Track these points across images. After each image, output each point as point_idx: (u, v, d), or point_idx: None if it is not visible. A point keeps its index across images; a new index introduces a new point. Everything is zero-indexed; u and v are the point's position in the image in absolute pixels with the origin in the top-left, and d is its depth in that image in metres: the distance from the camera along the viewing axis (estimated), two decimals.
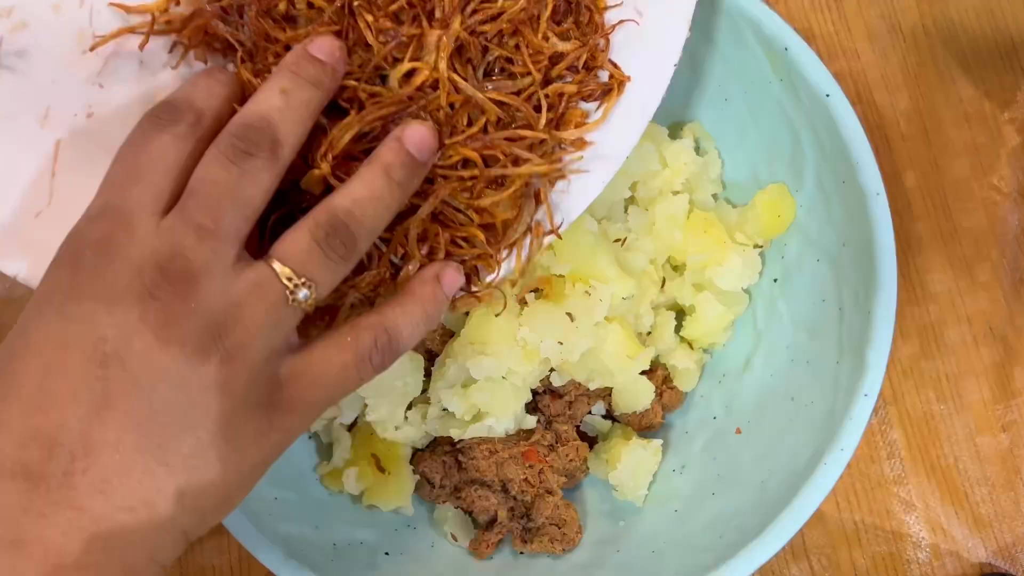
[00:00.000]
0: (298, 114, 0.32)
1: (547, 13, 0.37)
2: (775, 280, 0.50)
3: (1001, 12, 0.59)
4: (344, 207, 0.32)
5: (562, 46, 0.37)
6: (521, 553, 0.48)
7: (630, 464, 0.47)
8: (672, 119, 0.52)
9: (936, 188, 0.56)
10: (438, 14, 0.35)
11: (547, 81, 0.37)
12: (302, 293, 0.31)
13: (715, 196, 0.51)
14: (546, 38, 0.37)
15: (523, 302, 0.44)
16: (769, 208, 0.48)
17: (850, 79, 0.57)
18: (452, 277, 0.36)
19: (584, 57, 0.37)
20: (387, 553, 0.46)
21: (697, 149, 0.51)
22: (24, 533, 0.27)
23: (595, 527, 0.48)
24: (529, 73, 0.36)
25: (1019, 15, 0.59)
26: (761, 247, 0.50)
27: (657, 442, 0.48)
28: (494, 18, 0.36)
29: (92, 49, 0.37)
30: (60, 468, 0.27)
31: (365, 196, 0.32)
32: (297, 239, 0.31)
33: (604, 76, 0.38)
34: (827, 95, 0.43)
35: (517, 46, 0.36)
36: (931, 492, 0.53)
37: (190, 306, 0.29)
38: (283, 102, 0.32)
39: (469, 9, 0.35)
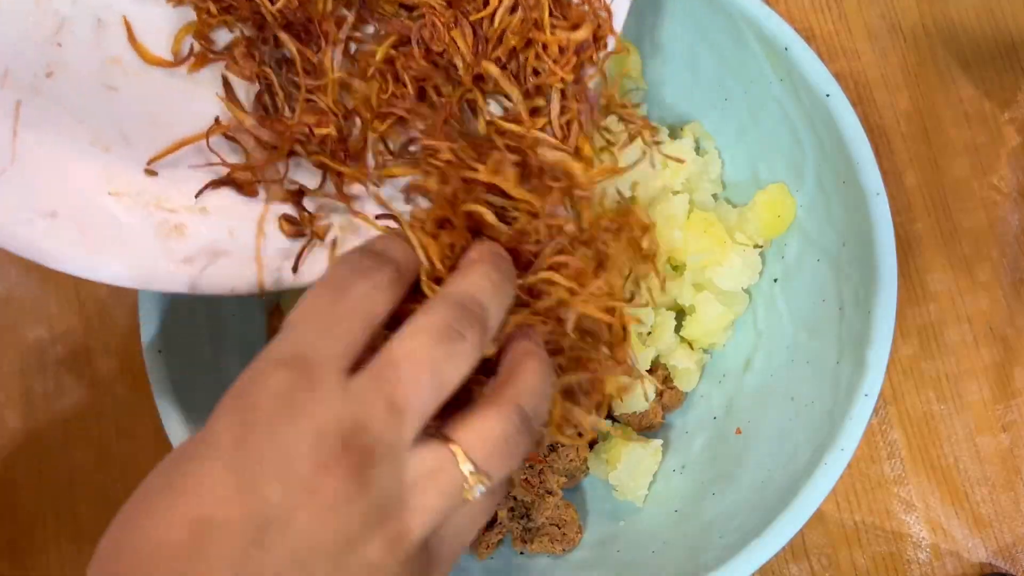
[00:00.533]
0: (502, 305, 0.31)
1: (546, 11, 0.37)
2: (775, 280, 0.50)
3: (1001, 12, 0.59)
4: (532, 403, 0.30)
5: (576, 36, 0.37)
6: (521, 553, 0.48)
7: (630, 464, 0.47)
8: (672, 119, 0.52)
9: (936, 188, 0.56)
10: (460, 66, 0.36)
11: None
12: (478, 489, 0.28)
13: (715, 196, 0.51)
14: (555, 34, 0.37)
15: None
16: (769, 208, 0.48)
17: (850, 79, 0.57)
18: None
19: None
20: None
21: (697, 149, 0.51)
22: None
23: (595, 527, 0.48)
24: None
25: (1019, 15, 0.59)
26: (761, 247, 0.50)
27: (657, 442, 0.48)
28: (500, 39, 0.36)
29: None
30: None
31: (539, 384, 0.31)
32: (486, 429, 0.29)
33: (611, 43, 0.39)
34: (827, 95, 0.43)
35: (537, 55, 0.37)
36: (931, 492, 0.53)
37: (364, 485, 0.27)
38: (492, 288, 0.31)
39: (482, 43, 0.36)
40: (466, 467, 0.28)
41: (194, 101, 0.38)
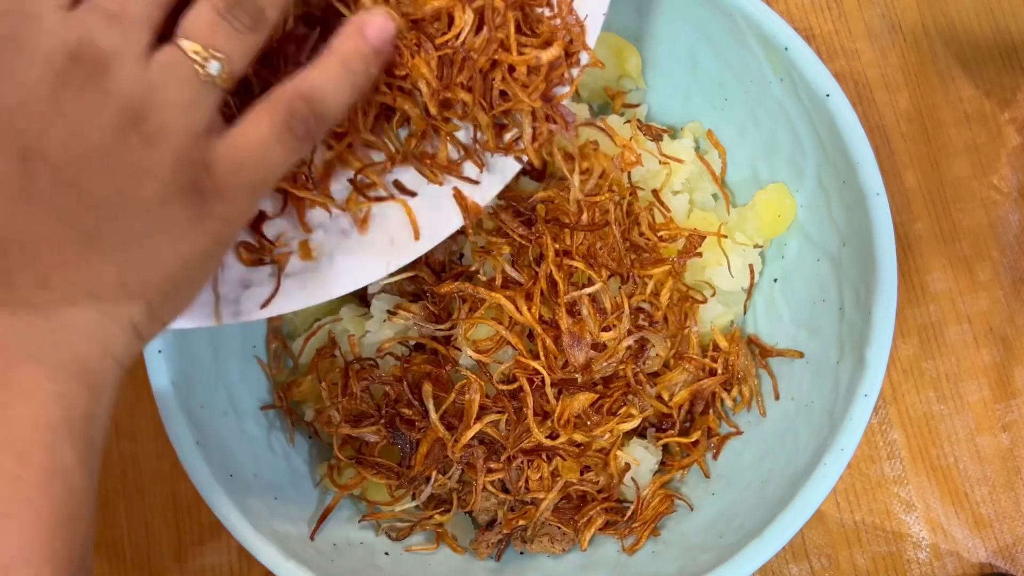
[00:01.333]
0: None
1: (512, 30, 0.36)
2: (775, 280, 0.50)
3: (1001, 12, 0.59)
4: None
5: (546, 55, 0.36)
6: (521, 553, 0.48)
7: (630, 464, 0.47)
8: (672, 119, 0.52)
9: (936, 188, 0.56)
10: None
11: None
12: (212, 66, 0.30)
13: (715, 196, 0.51)
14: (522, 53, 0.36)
15: None
16: (769, 208, 0.48)
17: (850, 79, 0.57)
18: (379, 26, 0.33)
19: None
20: (387, 553, 0.46)
21: (697, 149, 0.51)
22: None
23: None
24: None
25: (1019, 15, 0.58)
26: (761, 247, 0.50)
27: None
28: (464, 62, 0.35)
29: None
30: (2, 266, 0.28)
31: None
32: (199, 13, 0.30)
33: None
34: (827, 95, 0.43)
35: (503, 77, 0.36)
36: (931, 492, 0.53)
37: (104, 92, 0.28)
38: None
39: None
40: (190, 47, 0.29)
41: None
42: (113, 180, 0.28)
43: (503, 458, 0.44)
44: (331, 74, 0.32)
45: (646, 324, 0.45)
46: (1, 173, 0.28)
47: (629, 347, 0.44)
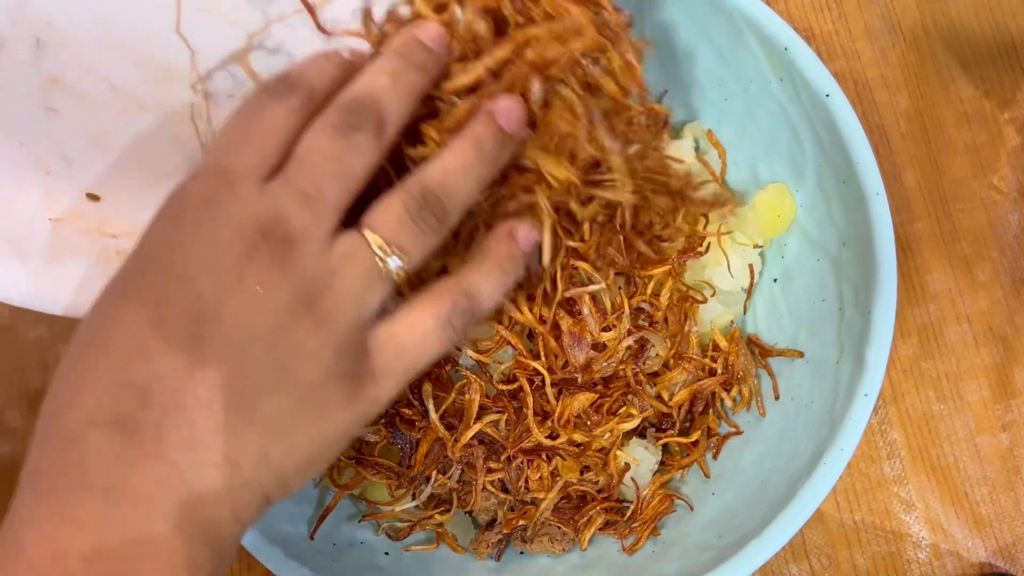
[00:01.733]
0: (404, 95, 0.33)
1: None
2: (775, 280, 0.50)
3: (1001, 11, 0.59)
4: (436, 178, 0.32)
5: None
6: (521, 553, 0.48)
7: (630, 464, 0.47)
8: (672, 119, 0.52)
9: (936, 188, 0.56)
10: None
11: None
12: (393, 262, 0.31)
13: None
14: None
15: None
16: (769, 208, 0.48)
17: (850, 79, 0.57)
18: (526, 234, 0.36)
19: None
20: (387, 553, 0.46)
21: (697, 149, 0.51)
22: (118, 482, 0.27)
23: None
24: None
25: (1019, 14, 0.58)
26: (761, 247, 0.50)
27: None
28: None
29: None
30: (153, 421, 0.27)
31: (456, 167, 0.33)
32: (389, 209, 0.31)
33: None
34: (827, 95, 0.43)
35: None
36: (931, 492, 0.53)
37: (287, 271, 0.29)
38: (391, 83, 0.32)
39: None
40: (374, 240, 0.31)
41: (137, 122, 0.37)
42: (277, 357, 0.29)
43: (503, 458, 0.44)
44: (489, 275, 0.34)
45: (646, 324, 0.45)
46: (176, 331, 0.28)
47: (629, 347, 0.44)
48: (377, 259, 0.31)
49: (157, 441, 0.27)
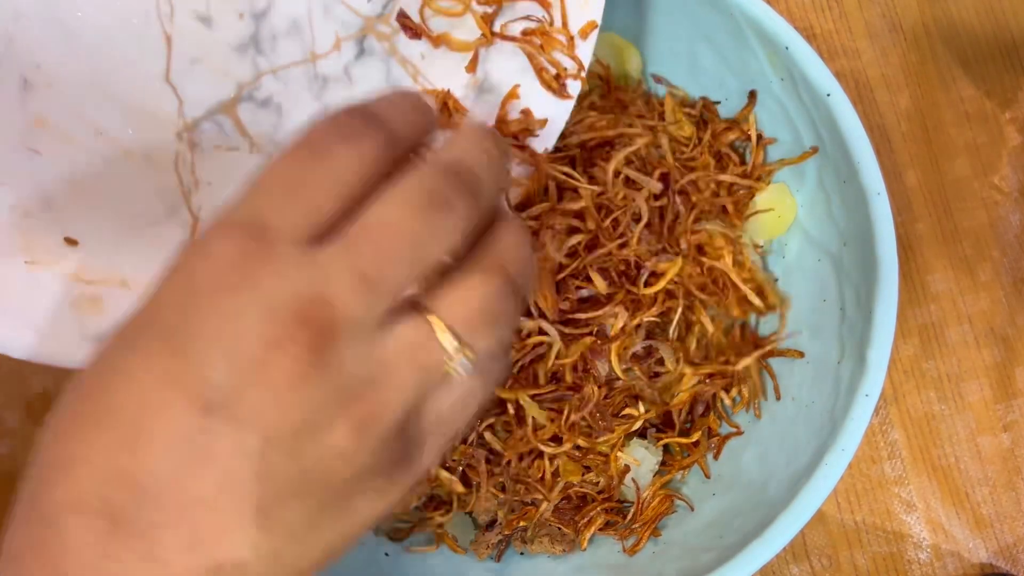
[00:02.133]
0: (497, 177, 0.27)
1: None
2: (775, 280, 0.50)
3: (1002, 11, 0.58)
4: (510, 248, 0.27)
5: None
6: (521, 553, 0.47)
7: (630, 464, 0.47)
8: None
9: (937, 188, 0.56)
10: None
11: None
12: (462, 364, 0.25)
13: None
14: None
15: None
16: (769, 208, 0.48)
17: (851, 78, 0.57)
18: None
19: None
20: (387, 554, 0.46)
21: None
22: None
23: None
24: None
25: (1020, 14, 0.58)
26: (761, 247, 0.50)
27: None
28: None
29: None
30: (145, 517, 0.23)
31: (519, 243, 0.28)
32: (469, 296, 0.25)
33: None
34: (828, 94, 0.43)
35: None
36: (932, 492, 0.53)
37: (322, 366, 0.23)
38: (487, 156, 0.27)
39: None
40: (446, 338, 0.25)
41: (120, 168, 0.36)
42: (300, 460, 0.24)
43: (503, 462, 0.44)
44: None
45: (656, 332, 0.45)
46: (178, 421, 0.23)
47: (635, 353, 0.44)
48: (446, 357, 0.25)
49: (149, 539, 0.23)
